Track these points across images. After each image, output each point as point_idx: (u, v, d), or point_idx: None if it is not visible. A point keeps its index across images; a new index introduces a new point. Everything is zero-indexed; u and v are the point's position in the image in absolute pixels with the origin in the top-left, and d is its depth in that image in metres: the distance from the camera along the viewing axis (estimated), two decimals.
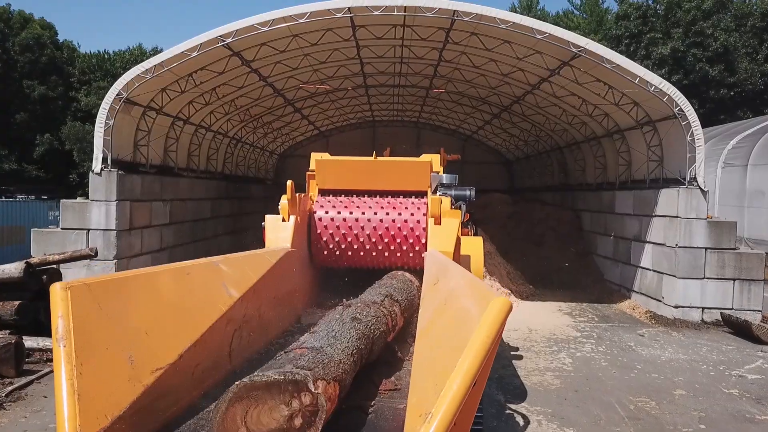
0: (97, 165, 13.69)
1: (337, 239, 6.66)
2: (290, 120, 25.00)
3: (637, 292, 15.62)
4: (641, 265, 15.49)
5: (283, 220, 6.19)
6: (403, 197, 7.07)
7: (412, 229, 6.63)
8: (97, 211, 13.64)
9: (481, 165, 29.27)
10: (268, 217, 6.25)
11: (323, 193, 7.16)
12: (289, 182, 6.15)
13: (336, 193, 7.13)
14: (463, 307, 3.10)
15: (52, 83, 42.82)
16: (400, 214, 6.71)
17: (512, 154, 29.11)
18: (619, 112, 16.07)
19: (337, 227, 6.66)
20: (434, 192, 9.38)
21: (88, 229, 13.63)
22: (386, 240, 6.63)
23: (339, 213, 6.73)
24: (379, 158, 7.35)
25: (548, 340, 12.15)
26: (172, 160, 17.57)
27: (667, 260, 14.15)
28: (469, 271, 7.11)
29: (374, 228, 6.64)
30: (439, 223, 6.34)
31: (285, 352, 3.70)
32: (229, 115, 20.04)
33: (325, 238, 6.68)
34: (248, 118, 21.80)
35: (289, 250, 5.91)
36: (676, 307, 13.75)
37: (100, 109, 13.63)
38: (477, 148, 30.17)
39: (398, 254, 6.68)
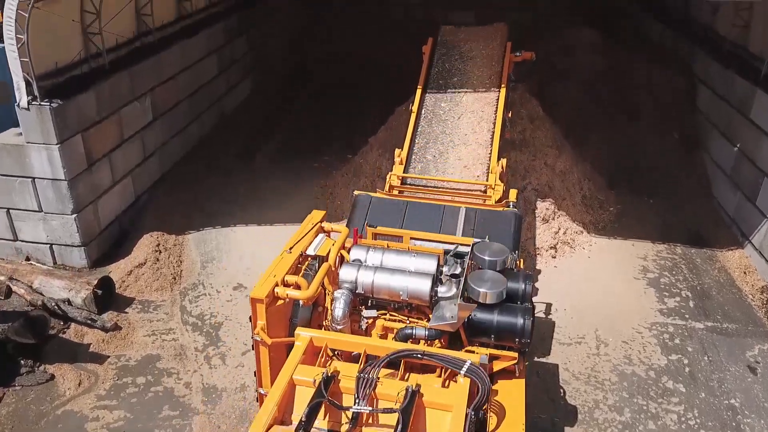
0: (21, 97, 9.95)
1: None
2: None
3: (756, 249, 11.66)
4: None
5: None
6: None
7: None
8: (38, 156, 10.34)
9: None
10: None
11: None
12: None
13: None
14: None
15: None
16: None
17: None
18: None
19: None
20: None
21: (33, 178, 10.57)
22: None
23: None
24: None
25: (620, 377, 9.07)
26: (147, 25, 13.26)
27: None
28: None
29: None
30: None
31: None
32: None
33: None
34: None
35: None
36: None
37: (3, 19, 9.37)
38: None
39: None
